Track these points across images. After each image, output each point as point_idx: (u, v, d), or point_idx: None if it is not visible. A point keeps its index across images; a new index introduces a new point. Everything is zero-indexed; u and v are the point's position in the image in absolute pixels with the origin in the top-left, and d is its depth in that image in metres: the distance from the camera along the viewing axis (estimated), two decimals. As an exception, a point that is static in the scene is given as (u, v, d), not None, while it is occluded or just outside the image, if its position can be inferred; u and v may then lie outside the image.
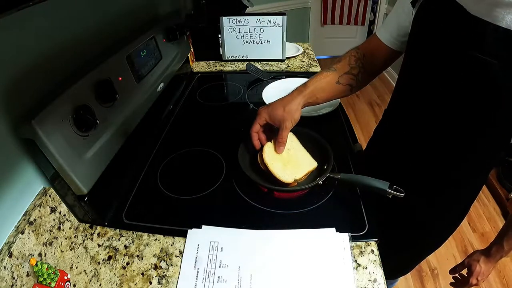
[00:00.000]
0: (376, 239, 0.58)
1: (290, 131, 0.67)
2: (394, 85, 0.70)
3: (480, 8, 0.43)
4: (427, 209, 0.69)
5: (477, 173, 0.64)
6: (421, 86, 0.59)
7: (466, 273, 0.75)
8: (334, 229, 0.58)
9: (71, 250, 0.59)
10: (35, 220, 0.52)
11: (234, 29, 1.26)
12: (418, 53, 0.58)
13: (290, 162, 0.67)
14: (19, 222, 0.51)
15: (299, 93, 0.66)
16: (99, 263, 0.57)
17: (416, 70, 0.59)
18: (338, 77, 0.70)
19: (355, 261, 0.55)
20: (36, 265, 0.48)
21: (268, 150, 0.66)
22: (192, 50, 1.29)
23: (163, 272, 0.55)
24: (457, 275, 0.80)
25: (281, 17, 1.23)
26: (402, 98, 0.67)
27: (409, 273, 1.44)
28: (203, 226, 0.60)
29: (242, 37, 1.28)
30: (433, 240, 0.81)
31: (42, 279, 0.49)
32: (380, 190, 0.59)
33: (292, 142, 0.71)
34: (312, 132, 0.75)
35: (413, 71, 0.61)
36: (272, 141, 0.68)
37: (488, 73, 0.45)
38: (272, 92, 1.06)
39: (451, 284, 0.82)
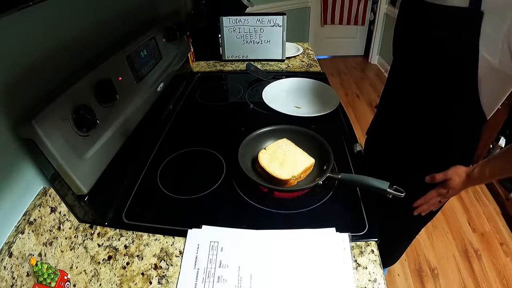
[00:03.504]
0: (376, 239, 0.58)
1: (286, 137, 0.75)
2: None
3: None
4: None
5: (460, 157, 0.70)
6: (403, 73, 0.68)
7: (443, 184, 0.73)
8: (334, 229, 0.58)
9: (71, 250, 0.59)
10: (35, 220, 0.52)
11: (234, 29, 1.26)
12: (398, 44, 0.70)
13: (286, 162, 0.68)
14: (19, 222, 0.51)
15: None
16: (99, 263, 0.57)
17: (398, 60, 0.70)
18: None
19: (355, 261, 0.55)
20: (36, 265, 0.48)
21: (264, 156, 0.70)
22: (192, 50, 1.29)
23: (163, 272, 0.55)
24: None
25: (281, 17, 1.24)
26: (390, 91, 0.75)
27: (409, 272, 1.44)
28: (203, 226, 0.60)
29: (242, 37, 1.28)
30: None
31: (42, 279, 0.49)
32: (380, 190, 0.59)
33: (287, 145, 0.73)
34: (312, 132, 0.75)
35: (396, 61, 0.71)
36: (266, 148, 0.72)
37: (442, 45, 0.57)
38: (272, 92, 1.06)
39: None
